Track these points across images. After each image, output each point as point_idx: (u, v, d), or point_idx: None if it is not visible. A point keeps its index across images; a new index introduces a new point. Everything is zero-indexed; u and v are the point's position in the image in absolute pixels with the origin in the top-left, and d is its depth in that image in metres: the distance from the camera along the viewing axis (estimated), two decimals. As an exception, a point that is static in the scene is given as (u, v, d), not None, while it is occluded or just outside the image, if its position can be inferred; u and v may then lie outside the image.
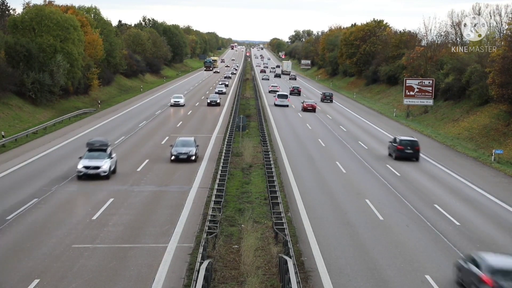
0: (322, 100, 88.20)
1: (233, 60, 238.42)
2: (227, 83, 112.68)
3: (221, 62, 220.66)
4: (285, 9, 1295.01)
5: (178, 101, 73.77)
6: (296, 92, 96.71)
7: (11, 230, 24.35)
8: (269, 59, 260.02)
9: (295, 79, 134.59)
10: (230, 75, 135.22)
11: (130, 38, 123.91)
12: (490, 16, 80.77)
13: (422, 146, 49.97)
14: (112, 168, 33.86)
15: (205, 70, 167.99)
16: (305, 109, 73.00)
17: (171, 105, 73.30)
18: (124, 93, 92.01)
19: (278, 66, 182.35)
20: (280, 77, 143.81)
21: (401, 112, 73.54)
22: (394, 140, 44.09)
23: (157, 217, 26.64)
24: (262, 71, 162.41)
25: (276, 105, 77.77)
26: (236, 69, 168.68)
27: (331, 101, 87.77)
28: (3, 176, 34.01)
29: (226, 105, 76.89)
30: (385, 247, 23.61)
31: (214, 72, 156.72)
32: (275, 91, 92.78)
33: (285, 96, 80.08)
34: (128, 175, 35.02)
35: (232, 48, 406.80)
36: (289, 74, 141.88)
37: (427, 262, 22.16)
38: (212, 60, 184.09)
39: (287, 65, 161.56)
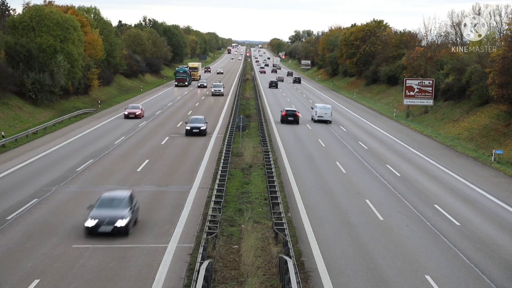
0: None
1: (220, 73, 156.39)
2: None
3: (205, 71, 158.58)
4: (285, 9, 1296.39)
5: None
6: (275, 71, 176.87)
7: (11, 230, 24.35)
8: (264, 53, 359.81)
9: (280, 68, 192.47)
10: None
11: (130, 38, 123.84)
12: (490, 16, 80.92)
13: (422, 146, 50.16)
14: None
15: (176, 85, 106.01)
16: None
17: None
18: (124, 93, 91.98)
19: (269, 58, 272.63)
20: (268, 65, 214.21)
21: (401, 112, 73.55)
22: None
23: (157, 217, 26.64)
24: (257, 61, 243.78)
25: (260, 72, 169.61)
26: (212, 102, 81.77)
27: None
28: (3, 176, 34.01)
29: (226, 105, 76.89)
30: (385, 247, 23.61)
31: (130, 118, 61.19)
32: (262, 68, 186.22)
33: (263, 69, 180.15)
34: (128, 175, 35.04)
35: (229, 52, 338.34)
36: (275, 66, 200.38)
37: (427, 262, 22.16)
38: (189, 68, 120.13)
39: (276, 60, 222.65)
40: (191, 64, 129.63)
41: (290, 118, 61.49)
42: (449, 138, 53.90)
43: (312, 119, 64.39)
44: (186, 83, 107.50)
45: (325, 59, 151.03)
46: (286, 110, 63.05)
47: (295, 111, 63.74)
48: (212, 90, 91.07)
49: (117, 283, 19.37)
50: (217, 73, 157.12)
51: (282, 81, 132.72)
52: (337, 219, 27.36)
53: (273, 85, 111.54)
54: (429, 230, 26.16)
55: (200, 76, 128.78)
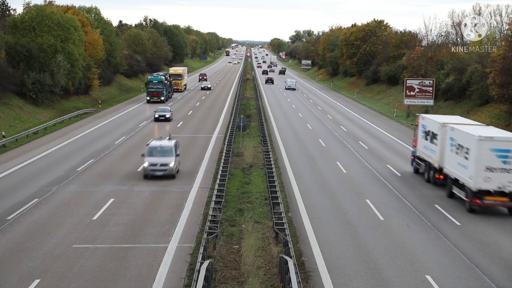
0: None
1: (205, 89, 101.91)
2: None
3: (199, 79, 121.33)
4: (285, 9, 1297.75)
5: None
6: (270, 66, 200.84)
7: (12, 230, 24.36)
8: (264, 50, 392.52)
9: (276, 65, 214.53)
10: None
11: (130, 38, 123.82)
12: (491, 16, 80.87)
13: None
14: None
15: (148, 101, 75.54)
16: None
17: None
18: (125, 93, 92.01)
19: (267, 55, 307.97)
20: (266, 62, 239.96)
21: (401, 112, 73.52)
22: None
23: (158, 217, 26.65)
24: (256, 57, 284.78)
25: (257, 67, 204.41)
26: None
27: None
28: (3, 176, 34.04)
29: (227, 105, 76.91)
30: (385, 247, 23.59)
31: None
32: (259, 64, 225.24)
33: (260, 65, 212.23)
34: (128, 175, 35.04)
35: (228, 54, 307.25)
36: (272, 63, 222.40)
37: (428, 262, 22.14)
38: (170, 76, 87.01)
39: (273, 58, 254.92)
40: (172, 70, 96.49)
41: (269, 81, 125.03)
42: (449, 138, 53.82)
43: (285, 87, 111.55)
44: (163, 98, 75.28)
45: (325, 59, 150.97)
46: (267, 77, 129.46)
47: (272, 78, 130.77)
48: (145, 165, 34.01)
49: (118, 283, 19.37)
50: (201, 89, 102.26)
51: (273, 71, 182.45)
52: (338, 219, 27.36)
53: (265, 72, 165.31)
54: (429, 230, 26.14)
55: (185, 86, 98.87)
